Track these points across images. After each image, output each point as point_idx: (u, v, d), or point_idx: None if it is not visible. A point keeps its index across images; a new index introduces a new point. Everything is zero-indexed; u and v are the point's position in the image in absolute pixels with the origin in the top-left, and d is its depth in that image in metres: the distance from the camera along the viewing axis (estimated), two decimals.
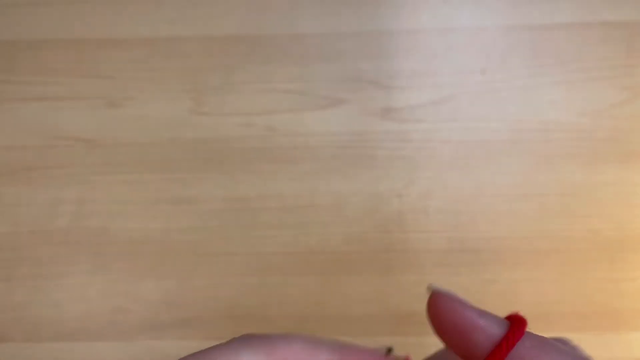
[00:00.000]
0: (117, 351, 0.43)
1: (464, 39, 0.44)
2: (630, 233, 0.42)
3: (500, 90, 0.43)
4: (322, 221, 0.43)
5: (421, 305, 0.46)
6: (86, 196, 0.43)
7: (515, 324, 0.17)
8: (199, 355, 0.19)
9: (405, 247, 0.43)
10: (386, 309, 0.42)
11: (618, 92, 0.43)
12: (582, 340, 0.23)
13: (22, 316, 0.43)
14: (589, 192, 0.43)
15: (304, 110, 0.43)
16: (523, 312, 0.20)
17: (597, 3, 0.43)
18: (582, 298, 0.41)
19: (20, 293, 0.43)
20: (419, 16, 0.44)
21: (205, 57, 0.44)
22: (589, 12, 0.43)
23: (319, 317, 0.42)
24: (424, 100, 0.43)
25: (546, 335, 0.19)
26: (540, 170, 0.43)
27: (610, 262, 0.42)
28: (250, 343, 0.19)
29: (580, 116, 0.43)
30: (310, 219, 0.43)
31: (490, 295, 0.42)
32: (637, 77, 0.43)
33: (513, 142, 0.43)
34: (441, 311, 0.18)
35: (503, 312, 0.20)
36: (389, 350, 0.20)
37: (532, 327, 0.18)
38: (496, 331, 0.17)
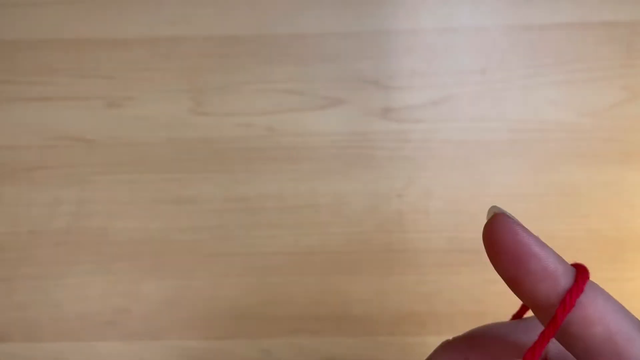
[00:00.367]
0: (117, 351, 0.43)
1: (464, 39, 0.44)
2: (630, 233, 0.42)
3: (500, 90, 0.43)
4: (322, 221, 0.43)
5: (421, 305, 0.46)
6: (86, 196, 0.43)
7: (581, 272, 0.16)
8: None
9: (405, 247, 0.43)
10: (386, 309, 0.42)
11: (618, 92, 0.43)
12: None
13: (22, 316, 0.43)
14: (589, 192, 0.43)
15: (304, 110, 0.43)
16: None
17: (597, 3, 0.43)
18: None
19: (20, 293, 0.43)
20: (418, 16, 0.44)
21: (205, 57, 0.44)
22: (589, 12, 0.43)
23: (319, 317, 0.42)
24: (423, 100, 0.43)
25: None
26: (540, 170, 0.43)
27: (610, 262, 0.42)
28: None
29: (580, 116, 0.43)
30: (310, 219, 0.43)
31: (490, 295, 0.42)
32: (637, 77, 0.43)
33: (513, 142, 0.43)
34: (499, 231, 0.17)
35: (504, 312, 0.20)
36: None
37: None
38: (553, 266, 0.16)
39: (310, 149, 0.43)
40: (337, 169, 0.43)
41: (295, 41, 0.44)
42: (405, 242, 0.43)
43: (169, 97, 0.44)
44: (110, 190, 0.43)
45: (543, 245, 0.17)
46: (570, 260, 0.18)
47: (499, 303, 0.42)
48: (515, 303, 0.19)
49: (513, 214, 0.18)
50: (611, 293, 0.17)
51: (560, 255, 0.17)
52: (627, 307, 0.17)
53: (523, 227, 0.17)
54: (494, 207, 0.18)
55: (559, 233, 0.42)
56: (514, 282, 0.17)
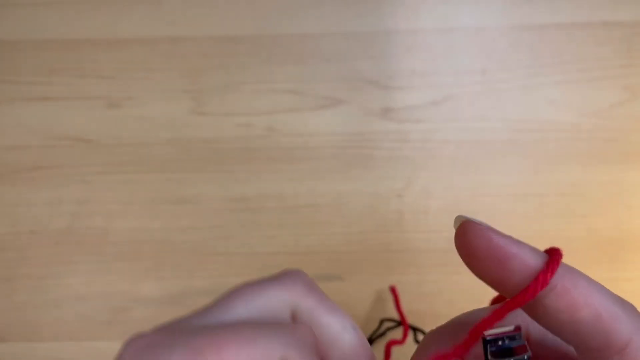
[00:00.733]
0: (117, 351, 0.43)
1: (464, 39, 0.44)
2: (629, 233, 0.42)
3: (500, 90, 0.43)
4: (322, 221, 0.43)
5: (421, 305, 0.46)
6: (86, 196, 0.43)
7: (553, 255, 0.17)
8: (256, 285, 0.18)
9: (405, 247, 0.43)
10: (386, 308, 0.42)
11: (618, 92, 0.43)
12: None
13: (22, 316, 0.43)
14: (589, 192, 0.43)
15: (304, 110, 0.43)
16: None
17: (597, 3, 0.43)
18: None
19: (21, 293, 0.43)
20: (418, 16, 0.44)
21: (205, 57, 0.44)
22: (589, 12, 0.43)
23: None
24: (423, 100, 0.43)
25: None
26: (539, 170, 0.43)
27: (609, 262, 0.42)
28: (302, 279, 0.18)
29: (580, 116, 0.43)
30: (310, 219, 0.43)
31: (490, 295, 0.42)
32: (637, 77, 0.43)
33: (513, 142, 0.43)
34: (473, 240, 0.17)
35: None
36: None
37: None
38: (533, 261, 0.17)
39: (310, 149, 0.43)
40: (336, 169, 0.43)
41: (295, 41, 0.44)
42: (405, 242, 0.43)
43: (169, 97, 0.44)
44: (110, 190, 0.43)
45: (518, 243, 0.17)
46: (570, 260, 0.18)
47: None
48: None
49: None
50: None
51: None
52: None
53: (494, 230, 0.17)
54: (459, 216, 0.18)
55: (558, 233, 0.42)
56: (498, 283, 0.17)
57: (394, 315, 0.42)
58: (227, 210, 0.43)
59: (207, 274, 0.43)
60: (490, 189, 0.43)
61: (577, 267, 0.17)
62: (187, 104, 0.44)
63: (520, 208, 0.42)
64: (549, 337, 0.19)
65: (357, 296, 0.42)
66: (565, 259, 0.17)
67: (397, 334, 0.42)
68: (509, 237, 0.17)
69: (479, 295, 0.42)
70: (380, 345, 0.41)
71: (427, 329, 0.42)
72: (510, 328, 0.18)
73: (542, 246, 0.18)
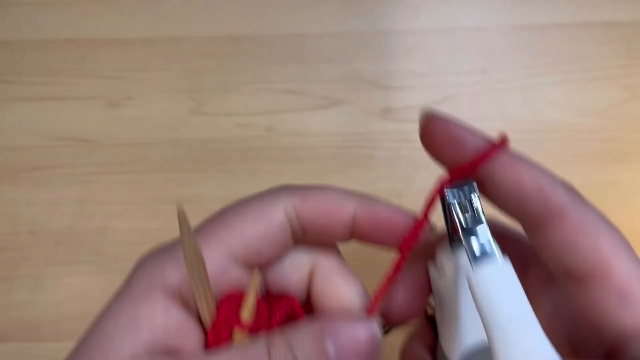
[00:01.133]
0: None
1: (464, 39, 0.44)
2: (630, 233, 0.42)
3: (500, 90, 0.43)
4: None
5: None
6: (86, 196, 0.43)
7: (500, 140, 0.20)
8: (239, 205, 0.22)
9: None
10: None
11: (618, 92, 0.43)
12: None
13: (22, 316, 0.43)
14: (588, 192, 0.42)
15: (304, 110, 0.43)
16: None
17: (597, 3, 0.43)
18: None
19: (21, 293, 0.43)
20: (418, 16, 0.44)
21: (205, 57, 0.44)
22: (589, 12, 0.43)
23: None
24: (423, 100, 0.43)
25: None
26: None
27: None
28: (288, 190, 0.21)
29: (580, 116, 0.43)
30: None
31: None
32: (637, 77, 0.43)
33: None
34: (434, 124, 0.20)
35: None
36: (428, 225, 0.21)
37: None
38: (481, 144, 0.20)
39: (310, 149, 0.43)
40: (337, 169, 0.43)
41: (295, 41, 0.44)
42: None
43: (169, 97, 0.44)
44: (110, 190, 0.43)
45: (471, 129, 0.20)
46: None
47: None
48: None
49: None
50: None
51: None
52: None
53: (452, 118, 0.20)
54: (424, 108, 0.21)
55: None
56: (452, 163, 0.21)
57: None
58: None
59: None
60: None
61: None
62: (187, 104, 0.44)
63: None
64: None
65: None
66: None
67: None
68: (464, 124, 0.20)
69: None
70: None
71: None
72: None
73: None
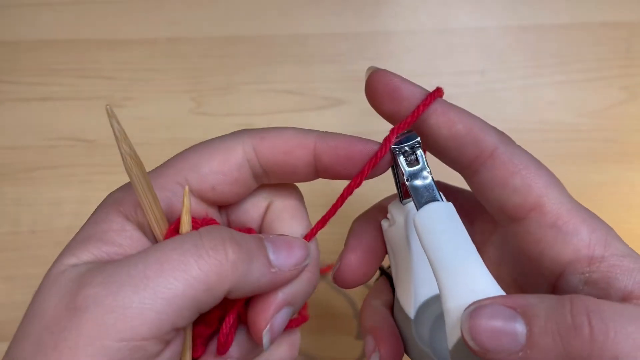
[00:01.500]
0: None
1: (463, 39, 0.44)
2: (629, 233, 0.42)
3: (500, 90, 0.43)
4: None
5: None
6: (87, 196, 0.43)
7: (435, 90, 0.22)
8: (201, 144, 0.23)
9: None
10: None
11: (617, 92, 0.43)
12: None
13: (22, 316, 0.43)
14: (588, 192, 0.43)
15: (304, 110, 0.44)
16: None
17: (597, 3, 0.43)
18: None
19: (21, 293, 0.43)
20: (418, 17, 0.44)
21: (206, 58, 0.44)
22: (589, 12, 0.43)
23: (319, 316, 0.42)
24: None
25: None
26: None
27: None
28: (249, 132, 0.22)
29: (579, 116, 0.43)
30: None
31: None
32: (637, 77, 0.43)
33: None
34: (376, 79, 0.22)
35: None
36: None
37: None
38: (418, 93, 0.22)
39: None
40: None
41: (295, 41, 0.44)
42: None
43: (169, 97, 0.44)
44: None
45: (409, 82, 0.22)
46: None
47: None
48: None
49: None
50: None
51: None
52: None
53: (394, 73, 0.22)
54: (371, 66, 0.23)
55: None
56: (392, 114, 0.22)
57: None
58: None
59: None
60: None
61: None
62: (187, 104, 0.44)
63: None
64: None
65: (359, 296, 0.42)
66: None
67: None
68: (404, 78, 0.22)
69: None
70: None
71: None
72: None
73: None
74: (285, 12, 0.44)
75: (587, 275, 0.19)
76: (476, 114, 0.21)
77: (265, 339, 0.20)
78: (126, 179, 0.22)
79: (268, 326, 0.20)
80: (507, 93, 0.43)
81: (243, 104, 0.44)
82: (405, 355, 0.24)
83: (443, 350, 0.22)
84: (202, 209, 0.21)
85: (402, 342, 0.24)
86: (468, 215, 0.24)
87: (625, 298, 0.18)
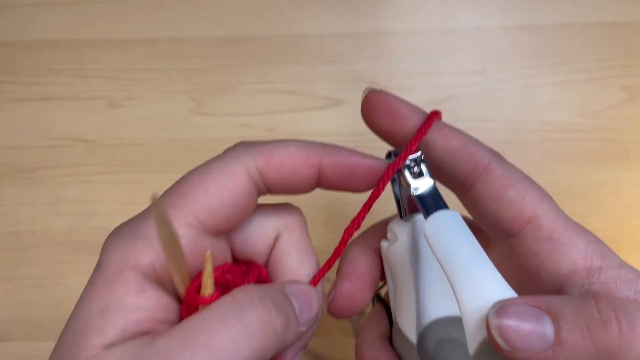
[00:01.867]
0: None
1: (463, 39, 0.44)
2: (628, 233, 0.42)
3: (500, 90, 0.43)
4: (322, 222, 0.43)
5: None
6: (87, 196, 0.43)
7: (431, 115, 0.22)
8: (202, 172, 0.21)
9: None
10: None
11: (618, 92, 0.43)
12: None
13: (23, 316, 0.43)
14: (589, 192, 0.43)
15: (304, 110, 0.44)
16: None
17: (597, 3, 0.43)
18: None
19: (22, 293, 0.43)
20: (418, 17, 0.44)
21: (205, 58, 0.44)
22: (589, 12, 0.43)
23: (324, 317, 0.42)
24: (423, 101, 0.43)
25: None
26: (539, 170, 0.43)
27: None
28: (249, 150, 0.21)
29: (579, 116, 0.43)
30: (310, 219, 0.43)
31: None
32: (637, 77, 0.43)
33: (512, 142, 0.43)
34: (373, 99, 0.22)
35: None
36: (389, 155, 0.23)
37: None
38: (416, 117, 0.22)
39: None
40: None
41: (295, 41, 0.44)
42: None
43: (169, 97, 0.44)
44: (111, 190, 0.43)
45: (408, 103, 0.22)
46: None
47: None
48: None
49: None
50: None
51: None
52: None
53: (391, 94, 0.22)
54: (367, 87, 0.23)
55: None
56: (389, 134, 0.23)
57: None
58: None
59: None
60: None
61: None
62: (187, 104, 0.44)
63: None
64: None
65: None
66: None
67: None
68: (401, 99, 0.22)
69: None
70: None
71: None
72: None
73: None
74: (285, 12, 0.44)
75: (587, 286, 0.19)
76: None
77: None
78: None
79: None
80: (507, 93, 0.43)
81: (243, 104, 0.44)
82: None
83: None
84: (207, 243, 0.20)
85: None
86: None
87: None
